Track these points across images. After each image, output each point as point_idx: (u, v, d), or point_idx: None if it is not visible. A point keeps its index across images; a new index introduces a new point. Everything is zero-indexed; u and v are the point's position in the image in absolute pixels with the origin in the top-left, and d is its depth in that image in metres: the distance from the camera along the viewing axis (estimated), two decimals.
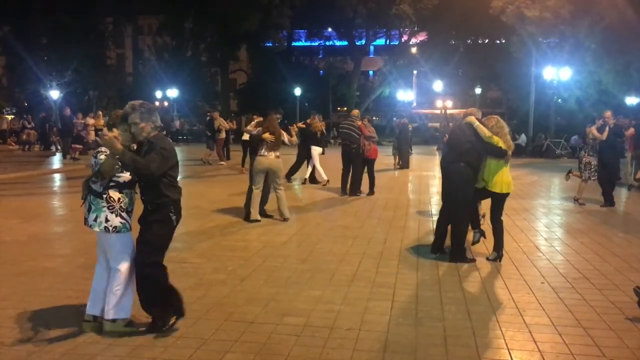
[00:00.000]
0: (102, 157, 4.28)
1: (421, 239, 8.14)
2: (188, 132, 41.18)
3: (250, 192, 9.29)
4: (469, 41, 42.31)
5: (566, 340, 4.44)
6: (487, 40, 41.02)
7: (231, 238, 8.11)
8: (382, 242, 7.88)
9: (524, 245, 7.82)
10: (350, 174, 12.59)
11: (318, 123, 14.87)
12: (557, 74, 26.55)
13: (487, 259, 6.88)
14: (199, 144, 28.92)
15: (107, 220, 4.29)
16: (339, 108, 47.12)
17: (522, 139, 28.15)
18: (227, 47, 43.59)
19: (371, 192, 12.70)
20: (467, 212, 6.92)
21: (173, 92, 41.39)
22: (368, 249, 7.50)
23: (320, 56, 52.22)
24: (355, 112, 13.83)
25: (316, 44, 51.98)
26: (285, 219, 9.29)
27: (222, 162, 19.59)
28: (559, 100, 30.08)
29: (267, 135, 9.11)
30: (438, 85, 41.81)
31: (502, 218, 7.00)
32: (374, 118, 18.96)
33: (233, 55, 46.12)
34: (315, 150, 14.31)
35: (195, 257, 6.99)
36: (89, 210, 4.39)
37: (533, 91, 27.74)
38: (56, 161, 20.28)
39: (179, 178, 4.64)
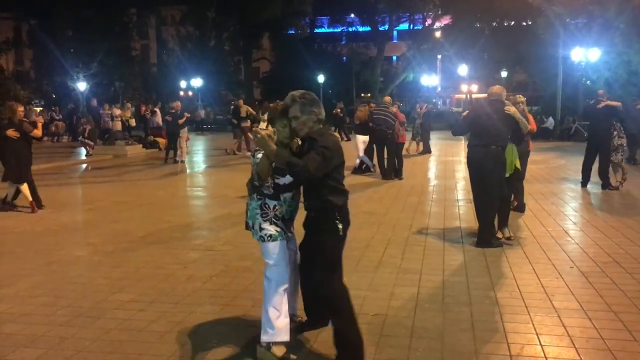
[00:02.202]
0: (260, 155, 3.76)
1: (447, 225, 8.08)
2: (213, 121, 41.43)
3: None
4: (494, 24, 41.57)
5: (596, 324, 4.38)
6: (512, 23, 40.27)
7: None
8: (408, 228, 7.85)
9: (553, 229, 7.71)
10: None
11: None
12: (585, 55, 25.98)
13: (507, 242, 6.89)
14: (224, 132, 29.06)
15: (261, 229, 3.85)
16: (362, 94, 46.89)
17: (550, 122, 27.70)
18: (249, 36, 43.65)
19: (400, 176, 12.82)
20: (498, 196, 6.86)
21: (197, 82, 41.61)
22: (393, 235, 7.48)
23: (343, 42, 51.96)
24: (387, 98, 14.25)
25: (339, 30, 51.72)
26: None
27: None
28: (587, 82, 29.46)
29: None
30: (463, 70, 41.25)
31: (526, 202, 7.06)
32: (399, 104, 18.82)
33: (256, 43, 46.17)
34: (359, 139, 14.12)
35: (222, 244, 7.06)
36: (247, 214, 4.00)
37: (561, 73, 27.21)
38: (83, 151, 20.58)
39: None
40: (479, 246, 6.72)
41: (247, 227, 4.00)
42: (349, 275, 5.60)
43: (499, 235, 6.99)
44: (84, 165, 17.43)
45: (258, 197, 3.87)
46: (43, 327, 4.46)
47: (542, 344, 4.06)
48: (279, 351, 3.79)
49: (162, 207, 9.90)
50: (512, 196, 7.99)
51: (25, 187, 9.40)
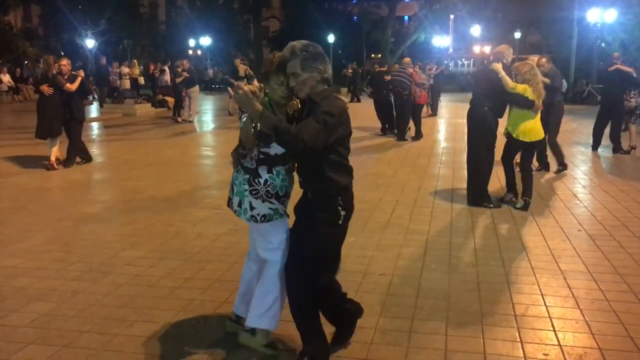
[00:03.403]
0: (245, 119, 3.16)
1: (455, 187, 8.08)
2: (221, 80, 41.14)
3: None
4: None
5: (601, 286, 4.40)
6: None
7: None
8: (416, 190, 7.86)
9: (562, 193, 7.70)
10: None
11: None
12: (601, 17, 25.42)
13: (515, 207, 6.77)
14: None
15: (252, 208, 3.22)
16: (372, 55, 46.28)
17: (563, 85, 27.33)
18: None
19: (418, 136, 12.89)
20: (488, 156, 6.86)
21: (206, 41, 41.18)
22: (402, 196, 7.49)
23: (354, 1, 50.98)
24: (407, 59, 14.30)
25: None
26: None
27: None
28: (602, 44, 28.92)
29: None
30: (476, 30, 40.60)
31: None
32: (420, 64, 18.50)
33: (265, 2, 45.41)
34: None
35: None
36: (232, 190, 3.35)
37: (575, 35, 26.72)
38: (93, 110, 20.59)
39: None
40: (472, 205, 6.87)
41: (230, 205, 3.38)
42: (356, 236, 5.67)
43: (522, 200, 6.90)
44: (95, 124, 17.44)
45: (255, 167, 3.22)
46: (55, 281, 4.55)
47: (547, 304, 4.09)
48: (265, 338, 3.37)
49: (171, 166, 9.94)
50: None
51: (49, 143, 9.45)
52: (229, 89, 16.86)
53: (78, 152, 9.81)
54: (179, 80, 17.00)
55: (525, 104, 6.59)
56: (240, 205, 3.26)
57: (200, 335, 3.64)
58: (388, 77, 14.77)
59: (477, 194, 6.93)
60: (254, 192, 3.20)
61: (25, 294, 4.30)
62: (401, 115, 13.17)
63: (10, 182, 8.43)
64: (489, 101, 6.69)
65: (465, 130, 7.25)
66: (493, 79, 6.63)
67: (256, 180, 3.20)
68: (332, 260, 3.29)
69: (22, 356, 3.37)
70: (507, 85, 6.53)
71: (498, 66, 6.64)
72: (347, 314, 3.48)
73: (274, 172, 3.20)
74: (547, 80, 8.58)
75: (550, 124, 8.91)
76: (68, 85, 9.27)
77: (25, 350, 3.44)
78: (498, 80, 6.57)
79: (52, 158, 9.41)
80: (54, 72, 9.28)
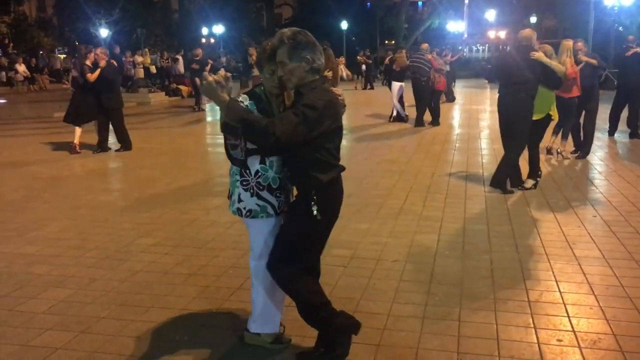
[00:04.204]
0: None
1: (470, 173, 8.04)
2: (234, 69, 41.16)
3: None
4: None
5: (617, 272, 4.37)
6: None
7: None
8: (430, 176, 7.84)
9: (577, 178, 7.63)
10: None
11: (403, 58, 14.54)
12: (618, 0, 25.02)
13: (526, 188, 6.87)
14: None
15: (240, 200, 3.07)
16: (386, 41, 45.96)
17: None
18: None
19: (436, 122, 12.88)
20: (523, 142, 6.84)
21: (219, 29, 41.20)
22: (415, 183, 7.48)
23: None
24: (425, 45, 14.19)
25: None
26: None
27: None
28: (620, 28, 28.47)
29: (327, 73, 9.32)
30: (491, 15, 40.12)
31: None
32: (437, 50, 18.38)
33: None
34: (395, 86, 14.03)
35: None
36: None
37: (592, 19, 26.32)
38: None
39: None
40: (491, 185, 6.94)
41: (228, 195, 3.23)
42: (369, 223, 5.68)
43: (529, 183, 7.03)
44: None
45: (244, 158, 3.06)
46: (72, 268, 4.61)
47: (561, 290, 4.08)
48: (269, 336, 3.31)
49: (185, 154, 9.99)
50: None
51: (77, 129, 10.06)
52: (196, 79, 16.53)
53: (127, 137, 10.22)
54: (207, 68, 16.96)
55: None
56: (230, 196, 3.16)
57: (216, 321, 3.68)
58: (387, 62, 14.70)
59: (503, 179, 6.94)
60: (244, 183, 3.05)
61: (42, 280, 4.37)
62: (419, 102, 13.11)
63: (26, 171, 8.54)
64: (525, 87, 6.56)
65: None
66: (530, 64, 6.57)
67: (247, 171, 3.04)
68: (305, 253, 3.07)
69: (40, 342, 3.43)
70: (560, 72, 6.65)
71: (541, 55, 6.62)
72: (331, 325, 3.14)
73: (267, 162, 3.02)
74: (594, 62, 8.62)
75: (590, 108, 8.88)
76: (88, 75, 9.60)
77: (44, 335, 3.51)
78: (533, 63, 6.56)
79: (75, 142, 9.94)
80: (83, 62, 9.72)
